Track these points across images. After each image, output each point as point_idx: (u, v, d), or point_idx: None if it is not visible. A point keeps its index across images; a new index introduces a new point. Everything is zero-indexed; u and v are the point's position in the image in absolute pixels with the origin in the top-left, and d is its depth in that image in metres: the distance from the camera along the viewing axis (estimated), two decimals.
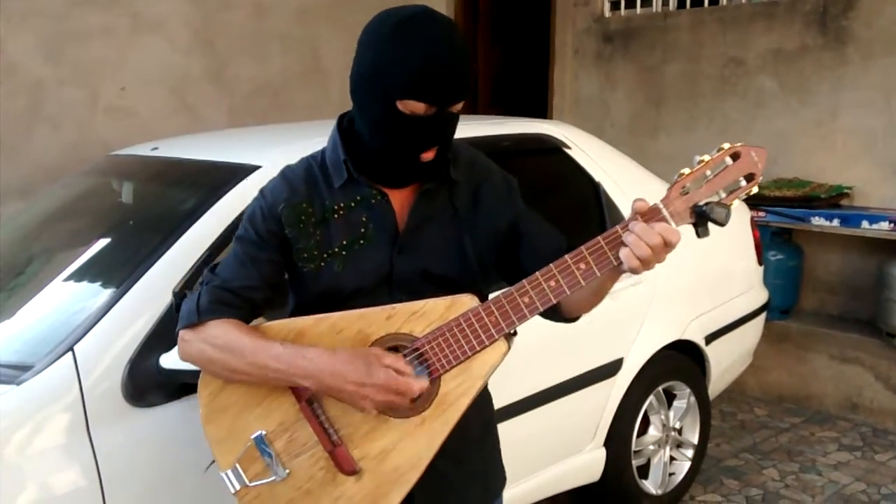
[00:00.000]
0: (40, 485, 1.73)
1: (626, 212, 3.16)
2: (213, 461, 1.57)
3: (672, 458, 3.31)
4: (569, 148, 3.02)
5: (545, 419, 2.69)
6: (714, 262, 3.40)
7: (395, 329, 1.47)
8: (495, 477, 1.78)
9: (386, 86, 1.41)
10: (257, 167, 2.24)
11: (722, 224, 1.39)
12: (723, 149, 1.41)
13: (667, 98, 5.27)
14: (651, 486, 3.22)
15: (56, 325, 1.99)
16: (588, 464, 2.97)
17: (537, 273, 1.43)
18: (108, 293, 2.00)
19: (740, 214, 3.64)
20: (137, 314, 1.93)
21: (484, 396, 1.72)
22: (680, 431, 3.34)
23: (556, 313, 1.58)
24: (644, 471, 3.22)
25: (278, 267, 1.56)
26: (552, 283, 1.42)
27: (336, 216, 1.53)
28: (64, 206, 2.80)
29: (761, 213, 4.35)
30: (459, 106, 1.47)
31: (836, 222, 4.21)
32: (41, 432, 1.76)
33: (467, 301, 1.46)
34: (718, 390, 3.65)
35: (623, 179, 3.10)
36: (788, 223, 4.39)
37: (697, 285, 3.29)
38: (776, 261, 4.47)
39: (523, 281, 1.43)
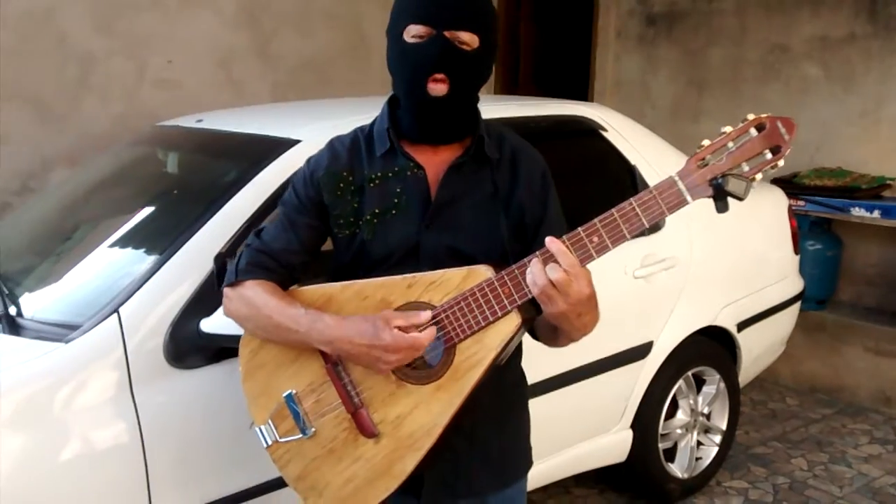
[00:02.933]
0: (84, 439, 1.81)
1: None
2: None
3: (699, 443, 3.32)
4: (605, 130, 3.02)
5: (573, 398, 2.72)
6: (749, 249, 3.39)
7: (415, 297, 1.50)
8: (514, 462, 1.75)
9: (396, 22, 1.52)
10: (297, 141, 2.29)
11: (740, 198, 1.34)
12: (747, 119, 1.35)
13: (709, 83, 5.22)
14: (677, 469, 3.23)
15: (102, 287, 2.07)
16: (615, 444, 3.00)
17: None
18: (152, 259, 2.08)
19: (778, 203, 3.63)
20: (180, 280, 2.00)
21: (509, 377, 1.71)
22: (708, 417, 3.35)
23: (535, 335, 1.63)
24: (671, 454, 3.23)
25: (317, 232, 1.62)
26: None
27: (372, 184, 1.58)
28: (111, 174, 2.88)
29: (800, 203, 4.31)
30: (466, 37, 1.49)
31: (876, 214, 4.16)
32: (86, 389, 1.84)
33: (483, 272, 1.48)
34: (749, 378, 3.65)
35: (659, 163, 3.09)
36: (828, 213, 4.35)
37: (731, 272, 3.29)
38: (814, 250, 4.43)
39: (536, 252, 1.43)
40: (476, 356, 1.48)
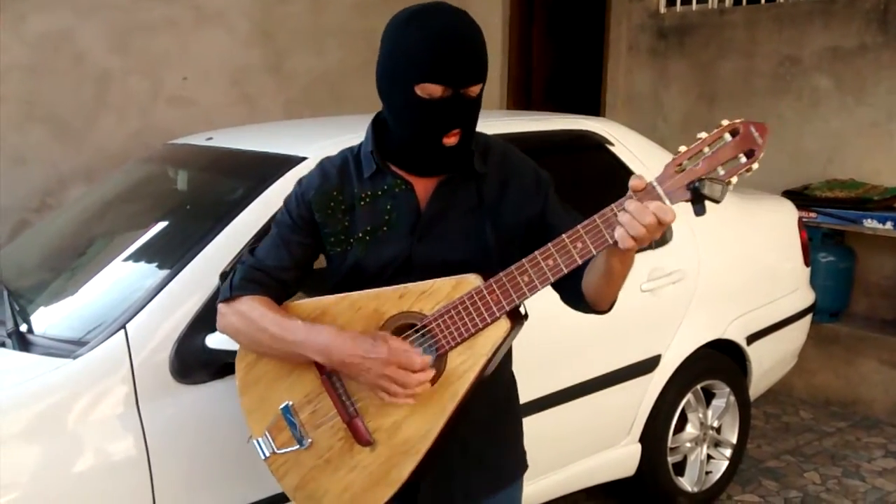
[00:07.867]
0: (94, 452, 1.85)
1: None
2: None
3: (709, 457, 3.32)
4: (611, 144, 3.04)
5: (581, 412, 2.73)
6: (758, 261, 3.39)
7: (407, 307, 1.54)
8: (508, 466, 1.79)
9: (403, 73, 1.51)
10: (303, 158, 2.32)
11: (717, 201, 1.36)
12: (721, 125, 1.38)
13: (720, 95, 5.22)
14: (687, 483, 3.23)
15: (111, 304, 2.11)
16: (623, 458, 3.00)
17: (536, 252, 1.46)
18: (159, 275, 2.11)
19: (788, 215, 3.62)
20: (186, 296, 2.03)
21: (500, 384, 1.75)
22: (718, 430, 3.34)
23: (583, 303, 1.61)
24: (680, 468, 3.23)
25: (309, 249, 1.66)
26: (550, 262, 1.45)
27: (363, 203, 1.62)
28: (124, 191, 2.93)
29: (812, 214, 4.30)
30: (476, 89, 1.53)
31: (889, 225, 4.12)
32: (95, 404, 1.87)
33: (472, 280, 1.52)
34: (760, 391, 3.64)
35: None
36: (840, 225, 4.32)
37: (740, 285, 3.29)
38: (826, 262, 4.41)
39: (522, 260, 1.47)
40: (467, 363, 1.52)
